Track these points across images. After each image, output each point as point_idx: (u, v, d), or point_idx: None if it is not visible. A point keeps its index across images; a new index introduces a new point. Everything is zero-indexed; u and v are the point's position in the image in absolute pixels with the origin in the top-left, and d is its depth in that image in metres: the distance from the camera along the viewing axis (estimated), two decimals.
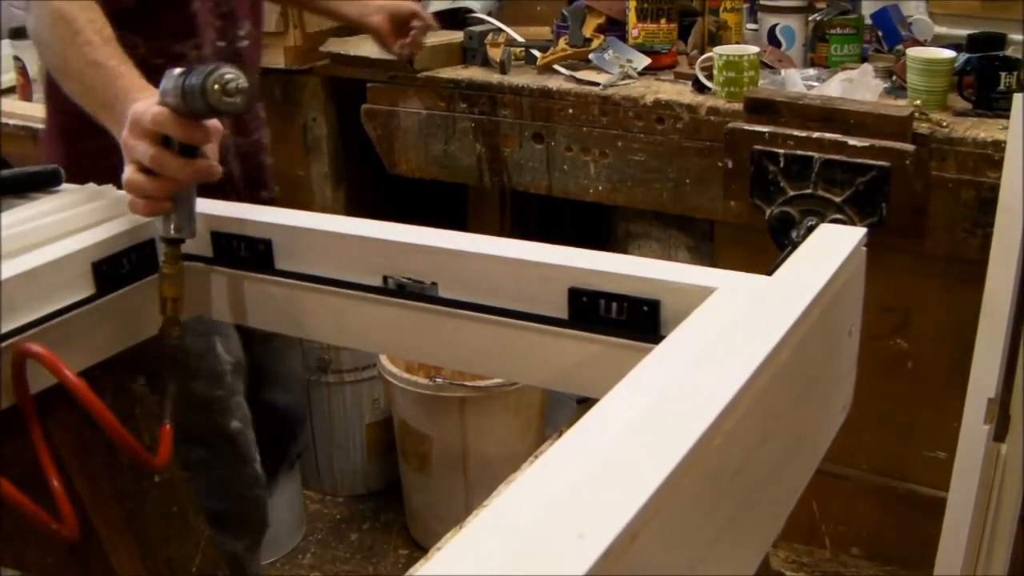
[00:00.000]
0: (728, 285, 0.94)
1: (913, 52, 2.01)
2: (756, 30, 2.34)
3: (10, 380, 1.02)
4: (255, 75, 1.72)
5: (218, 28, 1.59)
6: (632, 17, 2.32)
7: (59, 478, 1.03)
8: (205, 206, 1.22)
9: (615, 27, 2.38)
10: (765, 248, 1.79)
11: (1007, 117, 1.70)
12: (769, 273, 0.96)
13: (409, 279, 1.09)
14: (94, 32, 1.23)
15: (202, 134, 1.07)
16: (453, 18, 2.60)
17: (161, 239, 1.13)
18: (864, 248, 1.04)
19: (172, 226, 1.11)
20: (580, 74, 2.25)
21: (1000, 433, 1.69)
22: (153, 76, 1.36)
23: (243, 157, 1.70)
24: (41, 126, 2.29)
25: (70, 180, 1.32)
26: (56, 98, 1.53)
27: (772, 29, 2.28)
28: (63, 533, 1.01)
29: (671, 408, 0.72)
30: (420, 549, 2.52)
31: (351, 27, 2.22)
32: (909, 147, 1.79)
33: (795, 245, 1.02)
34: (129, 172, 1.09)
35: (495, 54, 2.33)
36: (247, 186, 1.71)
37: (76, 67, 1.23)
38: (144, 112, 1.06)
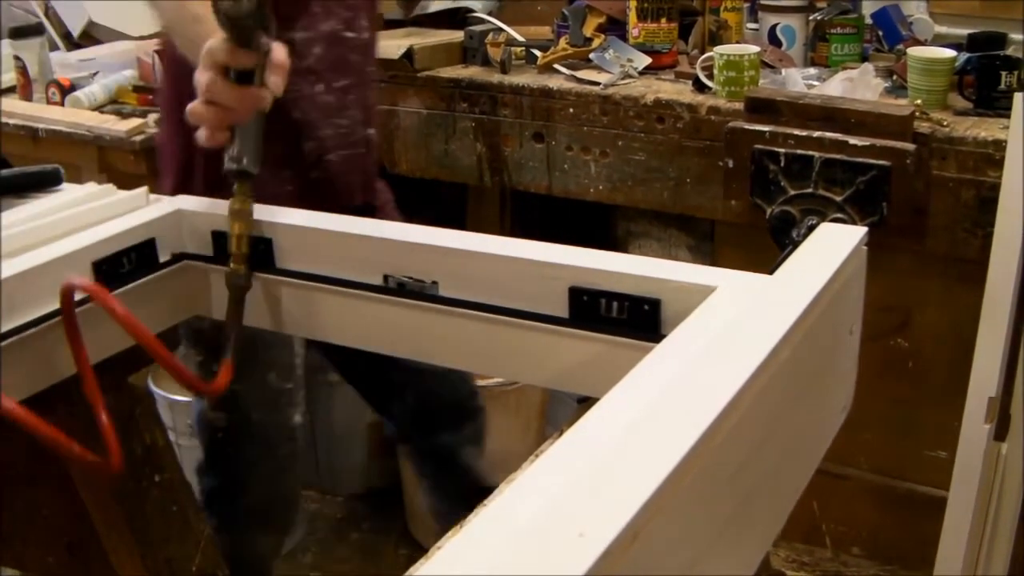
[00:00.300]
0: (729, 284, 0.94)
1: (914, 52, 2.01)
2: (756, 29, 2.34)
3: (11, 380, 1.02)
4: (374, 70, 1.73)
5: (344, 19, 1.58)
6: (632, 16, 2.32)
7: (109, 416, 1.02)
8: (203, 205, 1.22)
9: (616, 26, 2.38)
10: (766, 248, 1.78)
11: (1008, 116, 1.70)
12: (770, 272, 0.96)
13: (409, 278, 1.09)
14: None
15: (247, 58, 1.09)
16: (453, 18, 2.60)
17: (229, 173, 1.15)
18: (865, 247, 1.04)
19: (231, 157, 1.13)
20: (580, 73, 2.25)
21: (1000, 432, 1.69)
22: None
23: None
24: (41, 126, 2.30)
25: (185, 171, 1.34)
26: (173, 83, 1.57)
27: (773, 28, 2.28)
28: (101, 466, 0.99)
29: (672, 407, 0.71)
30: (421, 549, 2.52)
31: None
32: (910, 146, 1.79)
33: (796, 244, 1.02)
34: (194, 103, 1.13)
35: (495, 53, 2.33)
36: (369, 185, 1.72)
37: (182, 25, 1.29)
38: (207, 46, 1.11)
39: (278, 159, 1.48)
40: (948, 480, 1.73)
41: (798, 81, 2.09)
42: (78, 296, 1.10)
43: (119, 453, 1.00)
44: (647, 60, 2.28)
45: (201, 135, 1.14)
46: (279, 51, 1.12)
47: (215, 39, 1.10)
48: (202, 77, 1.11)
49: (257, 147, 1.15)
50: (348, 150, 1.62)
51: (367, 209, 1.62)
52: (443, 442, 1.88)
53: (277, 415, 1.68)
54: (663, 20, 2.31)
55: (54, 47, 2.71)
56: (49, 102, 2.41)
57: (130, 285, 1.15)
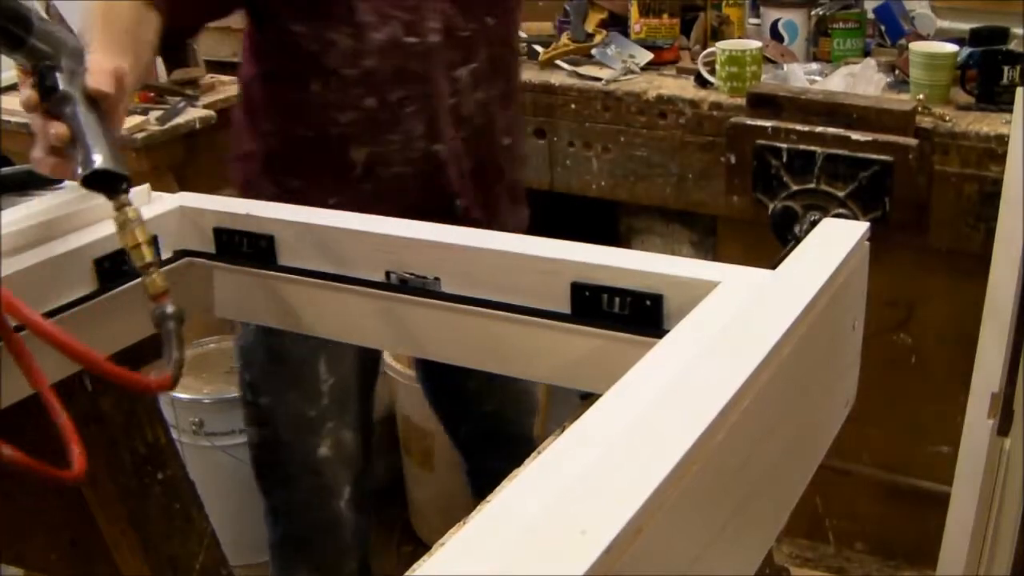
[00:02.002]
0: (731, 279, 0.94)
1: (916, 46, 2.01)
2: (758, 25, 2.34)
3: (12, 378, 1.01)
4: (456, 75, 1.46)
5: (405, 23, 1.39)
6: (634, 12, 2.32)
7: (67, 414, 0.95)
8: (205, 201, 1.22)
9: (617, 22, 2.38)
10: (768, 243, 1.78)
11: (1010, 111, 1.70)
12: (772, 268, 0.96)
13: (411, 274, 1.09)
14: None
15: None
16: None
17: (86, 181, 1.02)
18: (867, 243, 1.03)
19: (80, 162, 1.00)
20: (582, 69, 2.25)
21: (1004, 428, 1.68)
22: (305, 63, 1.38)
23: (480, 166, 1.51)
24: None
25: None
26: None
27: (774, 24, 2.28)
28: (67, 477, 0.95)
29: (674, 403, 0.71)
30: (423, 545, 2.52)
31: None
32: (912, 141, 1.79)
33: (798, 240, 1.02)
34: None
35: None
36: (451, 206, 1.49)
37: None
38: None
39: (322, 169, 1.43)
40: (951, 475, 1.73)
41: (800, 76, 2.09)
42: (83, 293, 1.10)
43: (83, 459, 0.93)
44: (649, 56, 2.27)
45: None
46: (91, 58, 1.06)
47: None
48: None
49: (112, 144, 1.02)
50: (404, 167, 1.45)
51: None
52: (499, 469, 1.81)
53: (296, 443, 1.55)
54: (665, 16, 2.31)
55: None
56: None
57: (132, 282, 1.15)
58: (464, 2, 1.42)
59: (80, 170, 1.00)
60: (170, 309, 1.01)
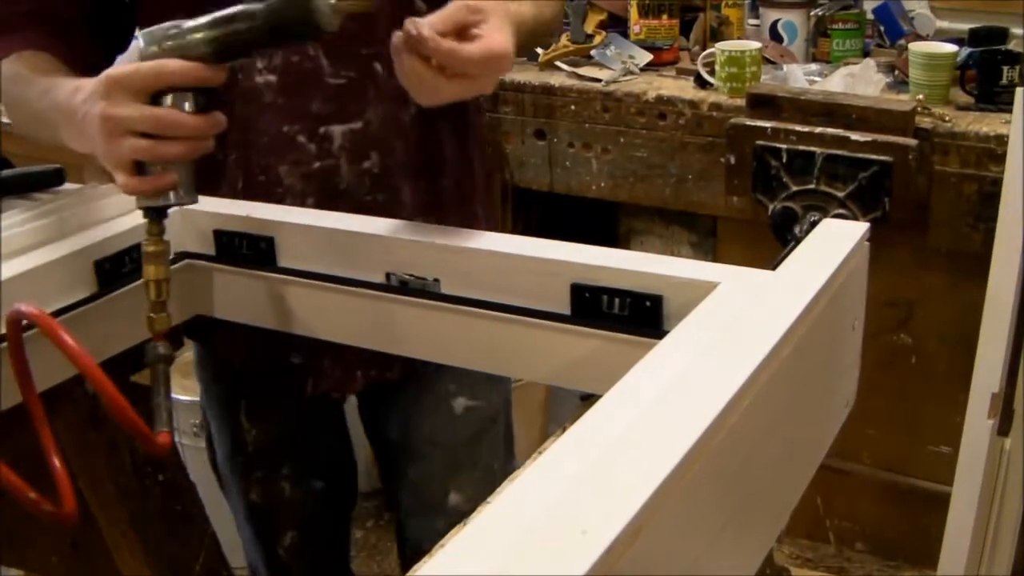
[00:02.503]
0: (731, 280, 0.94)
1: (915, 47, 2.01)
2: (758, 25, 2.35)
3: (11, 381, 1.02)
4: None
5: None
6: (634, 13, 2.32)
7: (60, 458, 0.97)
8: (207, 204, 1.22)
9: (617, 23, 2.38)
10: (768, 244, 1.78)
11: (1009, 111, 1.70)
12: (772, 268, 0.96)
13: (411, 276, 1.09)
14: (27, 69, 1.17)
15: (220, 73, 0.95)
16: None
17: (148, 209, 1.01)
18: (867, 243, 1.04)
19: (180, 192, 1.00)
20: (582, 70, 2.25)
21: (1004, 428, 1.68)
22: None
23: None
24: None
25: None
26: None
27: (774, 24, 2.28)
28: (61, 518, 0.96)
29: (675, 403, 0.71)
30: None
31: None
32: (911, 142, 1.79)
33: (798, 240, 1.02)
34: (130, 145, 0.96)
35: None
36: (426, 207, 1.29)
37: (27, 107, 1.15)
38: (136, 71, 0.94)
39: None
40: (952, 475, 1.73)
41: (799, 77, 2.09)
42: (83, 295, 1.10)
43: (74, 502, 0.95)
44: (648, 56, 2.28)
45: (146, 183, 0.98)
46: None
47: (140, 65, 0.94)
48: (136, 113, 0.94)
49: (194, 174, 1.02)
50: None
51: None
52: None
53: (229, 485, 1.50)
54: (664, 16, 2.31)
55: None
56: None
57: (132, 285, 1.15)
58: (337, 40, 1.07)
59: (173, 199, 1.00)
60: (164, 350, 1.03)
